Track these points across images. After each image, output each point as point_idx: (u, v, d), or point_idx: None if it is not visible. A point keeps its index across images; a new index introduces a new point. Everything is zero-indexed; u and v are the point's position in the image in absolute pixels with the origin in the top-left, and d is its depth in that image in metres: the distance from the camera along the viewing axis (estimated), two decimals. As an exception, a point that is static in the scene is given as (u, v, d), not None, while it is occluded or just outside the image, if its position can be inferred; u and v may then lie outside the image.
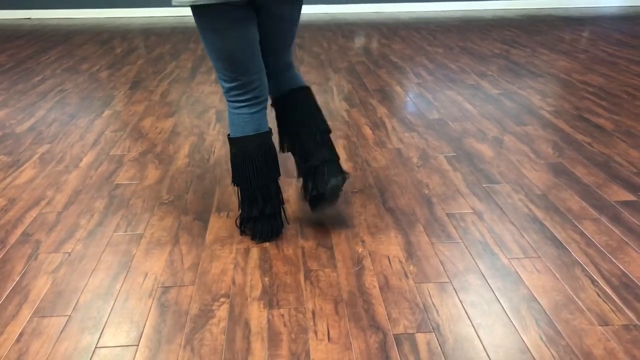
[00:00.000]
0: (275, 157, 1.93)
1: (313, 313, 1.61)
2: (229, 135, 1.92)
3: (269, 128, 1.94)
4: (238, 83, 1.84)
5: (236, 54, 1.77)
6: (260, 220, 1.95)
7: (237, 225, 2.06)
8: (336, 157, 2.00)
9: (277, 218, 1.98)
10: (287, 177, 2.48)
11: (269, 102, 2.06)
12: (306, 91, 2.03)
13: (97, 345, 1.49)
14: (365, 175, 2.50)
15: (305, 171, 1.99)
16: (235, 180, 1.92)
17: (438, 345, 1.48)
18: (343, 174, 1.98)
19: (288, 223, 2.08)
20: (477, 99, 3.60)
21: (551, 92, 3.73)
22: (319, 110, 2.03)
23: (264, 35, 1.90)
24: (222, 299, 1.67)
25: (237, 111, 1.88)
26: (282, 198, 2.00)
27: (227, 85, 1.85)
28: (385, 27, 6.52)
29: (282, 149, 2.12)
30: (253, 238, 1.98)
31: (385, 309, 1.62)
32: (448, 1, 7.78)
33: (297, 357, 1.45)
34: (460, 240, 1.97)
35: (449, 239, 1.99)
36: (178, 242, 1.99)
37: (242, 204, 1.96)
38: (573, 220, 2.09)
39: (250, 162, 1.87)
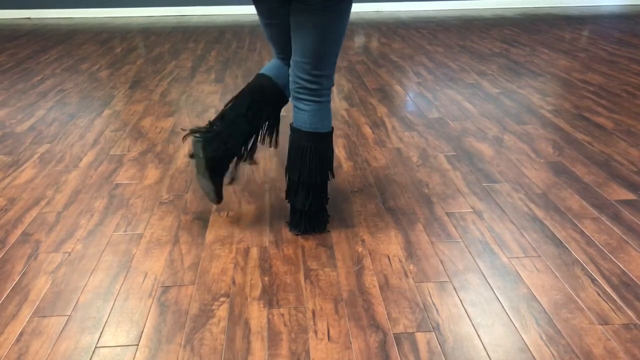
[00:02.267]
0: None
1: (313, 312, 1.61)
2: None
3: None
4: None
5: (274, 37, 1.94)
6: (223, 160, 1.97)
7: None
8: (313, 209, 1.97)
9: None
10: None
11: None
12: (318, 139, 1.89)
13: (97, 345, 1.49)
14: (365, 175, 2.50)
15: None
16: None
17: (438, 344, 1.48)
18: (306, 229, 2.00)
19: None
20: (477, 98, 3.60)
21: (551, 91, 3.73)
22: (322, 159, 1.91)
23: (291, 39, 1.86)
24: (222, 299, 1.67)
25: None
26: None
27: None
28: (385, 26, 6.52)
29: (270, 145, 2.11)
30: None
31: (385, 308, 1.62)
32: (448, 0, 7.77)
33: (297, 357, 1.45)
34: (460, 240, 1.97)
35: (449, 238, 1.99)
36: (178, 241, 1.99)
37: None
38: (573, 219, 2.09)
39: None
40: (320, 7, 1.70)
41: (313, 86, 1.85)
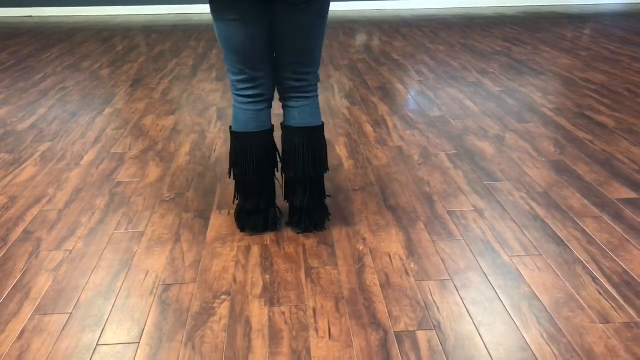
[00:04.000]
0: (275, 154, 1.95)
1: (314, 311, 1.61)
2: (230, 127, 1.93)
3: (272, 125, 1.94)
4: (245, 77, 1.84)
5: (245, 47, 1.78)
6: (254, 213, 1.99)
7: (235, 216, 2.07)
8: (313, 205, 1.98)
9: (270, 212, 2.02)
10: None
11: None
12: (310, 133, 1.91)
13: (99, 343, 1.50)
14: (366, 173, 2.50)
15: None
16: (233, 173, 1.95)
17: (439, 343, 1.48)
18: (307, 227, 2.00)
19: (282, 215, 2.09)
20: (479, 97, 3.60)
21: (553, 90, 3.72)
22: (315, 154, 1.92)
23: (275, 40, 1.83)
24: (223, 297, 1.67)
25: (242, 106, 1.89)
26: (275, 193, 2.03)
27: (234, 78, 1.87)
28: (386, 24, 6.51)
29: None
30: (243, 229, 2.02)
31: (387, 306, 1.62)
32: (449, -1, 7.76)
33: (298, 355, 1.45)
34: (462, 238, 1.97)
35: (450, 236, 1.98)
36: (179, 239, 1.99)
37: (238, 195, 2.00)
38: (574, 218, 2.09)
39: (251, 158, 1.90)
40: (305, 6, 1.73)
41: (301, 84, 1.89)
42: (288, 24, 1.77)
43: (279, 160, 2.07)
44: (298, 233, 2.01)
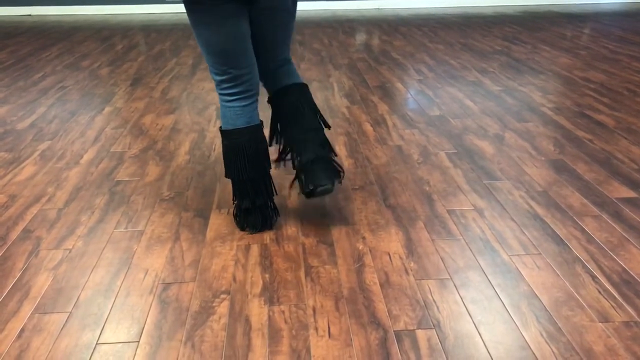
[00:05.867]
0: (266, 149, 1.96)
1: (314, 310, 1.61)
2: (220, 127, 1.95)
3: (260, 121, 1.96)
4: (229, 76, 1.86)
5: (227, 47, 1.80)
6: (252, 211, 1.99)
7: (234, 217, 2.07)
8: (328, 156, 1.99)
9: (268, 209, 2.02)
10: (287, 174, 2.48)
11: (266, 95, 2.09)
12: (300, 88, 2.03)
13: (98, 342, 1.50)
14: (366, 172, 2.50)
15: (298, 168, 2.00)
16: (227, 172, 1.96)
17: (439, 341, 1.48)
18: (333, 178, 1.95)
19: (279, 215, 2.09)
20: (478, 96, 3.60)
21: (552, 89, 3.72)
22: (312, 107, 2.02)
23: (258, 30, 1.90)
24: (222, 296, 1.68)
25: (228, 104, 1.91)
26: (274, 190, 2.03)
27: (218, 78, 1.88)
28: (386, 23, 6.51)
29: (271, 143, 2.17)
30: (243, 229, 2.02)
31: (386, 305, 1.62)
32: (449, -2, 7.76)
33: (298, 354, 1.45)
34: (461, 237, 1.97)
35: (450, 235, 1.99)
36: (179, 238, 1.99)
37: (235, 195, 2.00)
38: (574, 217, 2.09)
39: (242, 154, 1.91)
40: (281, 7, 1.86)
41: (280, 63, 2.04)
42: (265, 22, 1.86)
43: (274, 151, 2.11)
44: (321, 188, 1.93)
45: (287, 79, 2.04)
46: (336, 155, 2.15)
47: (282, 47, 2.01)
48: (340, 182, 2.10)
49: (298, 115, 1.98)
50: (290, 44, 2.05)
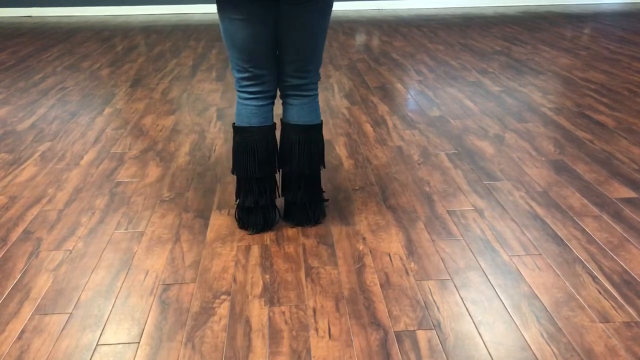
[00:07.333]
0: (276, 151, 1.97)
1: (314, 310, 1.61)
2: (234, 123, 1.96)
3: (274, 122, 1.96)
4: (249, 74, 1.87)
5: (250, 46, 1.81)
6: (254, 211, 1.99)
7: (235, 217, 2.07)
8: (308, 202, 2.02)
9: (271, 210, 2.02)
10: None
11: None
12: (307, 130, 1.94)
13: (99, 343, 1.50)
14: (366, 173, 2.50)
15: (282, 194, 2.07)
16: (235, 169, 1.97)
17: (439, 342, 1.48)
18: (302, 222, 2.04)
19: (281, 217, 2.10)
20: (478, 96, 3.60)
21: (552, 89, 3.72)
22: (310, 152, 1.94)
23: (279, 38, 1.85)
24: (223, 297, 1.68)
25: (245, 102, 1.92)
26: (278, 192, 2.05)
27: (239, 75, 1.90)
28: (386, 24, 6.51)
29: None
30: (243, 228, 2.03)
31: (386, 306, 1.62)
32: (449, -2, 7.76)
33: (298, 355, 1.45)
34: (461, 238, 1.97)
35: (450, 236, 1.98)
36: (179, 239, 1.99)
37: (239, 193, 2.01)
38: (574, 218, 2.09)
39: (252, 153, 1.92)
40: (308, 5, 1.77)
41: (302, 82, 1.92)
42: (292, 22, 1.80)
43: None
44: (296, 227, 2.03)
45: (298, 116, 1.94)
46: (323, 192, 2.13)
47: (299, 65, 1.88)
48: (317, 222, 2.07)
49: (291, 155, 1.95)
50: (319, 57, 1.91)
